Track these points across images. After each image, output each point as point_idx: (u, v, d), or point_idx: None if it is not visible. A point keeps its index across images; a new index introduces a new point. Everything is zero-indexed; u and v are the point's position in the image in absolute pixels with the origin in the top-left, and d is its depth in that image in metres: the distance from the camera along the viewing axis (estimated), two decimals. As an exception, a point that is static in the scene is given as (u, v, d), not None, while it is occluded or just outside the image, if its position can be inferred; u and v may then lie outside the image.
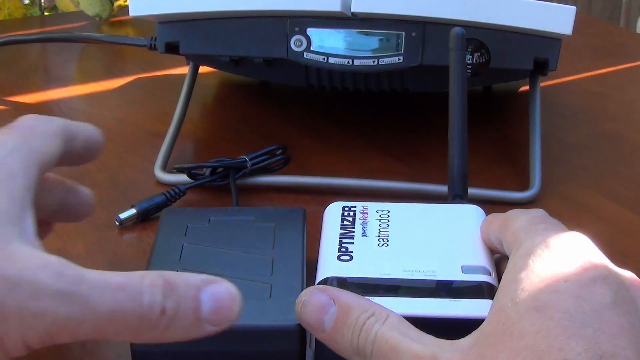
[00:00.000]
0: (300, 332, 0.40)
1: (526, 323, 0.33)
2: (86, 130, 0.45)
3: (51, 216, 0.45)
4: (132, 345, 0.41)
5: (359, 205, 0.48)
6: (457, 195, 0.51)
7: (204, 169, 0.61)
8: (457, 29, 0.52)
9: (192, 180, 0.60)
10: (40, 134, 0.41)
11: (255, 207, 0.58)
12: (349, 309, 0.37)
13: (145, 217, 0.58)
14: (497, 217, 0.43)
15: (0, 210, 0.35)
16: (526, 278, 0.35)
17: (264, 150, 0.62)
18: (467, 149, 0.52)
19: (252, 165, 0.61)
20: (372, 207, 0.48)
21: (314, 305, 0.38)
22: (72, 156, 0.44)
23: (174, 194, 0.59)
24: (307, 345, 0.41)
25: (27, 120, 0.42)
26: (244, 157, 0.61)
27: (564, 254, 0.36)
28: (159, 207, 0.58)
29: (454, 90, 0.52)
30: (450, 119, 0.52)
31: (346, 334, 0.37)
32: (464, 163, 0.52)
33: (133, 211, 0.57)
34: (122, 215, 0.57)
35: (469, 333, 0.36)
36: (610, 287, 0.34)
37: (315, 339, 0.40)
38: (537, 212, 0.41)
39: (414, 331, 0.37)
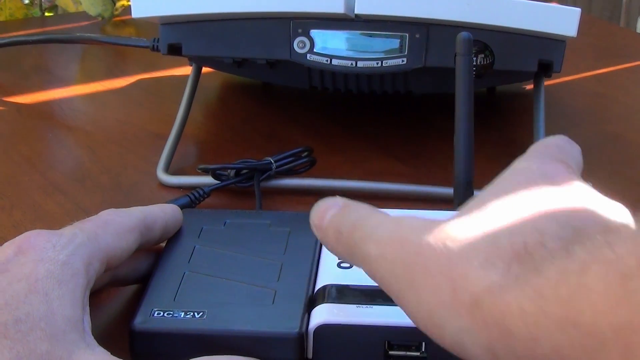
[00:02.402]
0: (299, 341, 0.40)
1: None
2: (165, 216, 0.47)
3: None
4: (131, 346, 0.40)
5: None
6: (462, 203, 0.51)
7: (229, 170, 0.60)
8: (463, 34, 0.52)
9: (216, 182, 0.60)
10: (114, 230, 0.42)
11: (274, 211, 0.58)
12: (347, 206, 0.38)
13: None
14: None
15: (63, 316, 0.36)
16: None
17: (289, 152, 0.61)
18: (473, 156, 0.51)
19: (277, 167, 0.60)
20: None
21: (322, 205, 0.38)
22: (149, 243, 0.46)
23: (198, 195, 0.58)
24: (305, 354, 0.40)
25: (105, 214, 0.43)
26: (269, 158, 0.60)
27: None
28: (183, 209, 0.57)
29: (461, 95, 0.52)
30: (456, 125, 0.52)
31: (335, 224, 0.37)
32: (469, 170, 0.51)
33: None
34: None
35: None
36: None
37: (312, 349, 0.39)
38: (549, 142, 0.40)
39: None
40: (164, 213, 0.47)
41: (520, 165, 0.37)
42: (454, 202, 0.52)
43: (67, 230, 0.41)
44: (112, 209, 0.44)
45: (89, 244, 0.40)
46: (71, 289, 0.37)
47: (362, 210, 0.37)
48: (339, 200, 0.38)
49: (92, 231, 0.41)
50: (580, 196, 0.34)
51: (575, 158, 0.39)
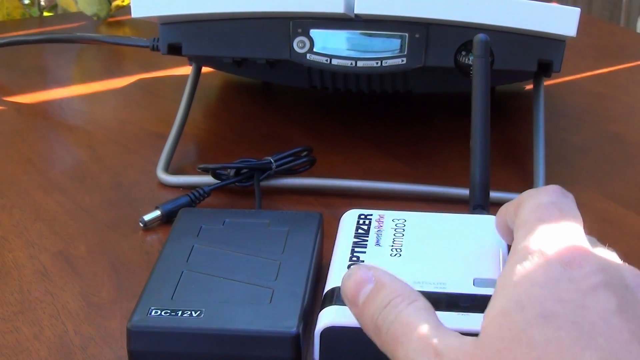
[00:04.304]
0: (296, 340, 0.40)
1: (535, 331, 0.32)
2: None
3: None
4: (128, 345, 0.40)
5: (375, 213, 0.47)
6: (479, 206, 0.50)
7: (229, 170, 0.60)
8: (480, 36, 0.51)
9: (216, 181, 0.60)
10: None
11: (273, 210, 0.58)
12: (382, 287, 0.37)
13: (169, 219, 0.57)
14: (512, 203, 0.41)
15: None
16: (528, 282, 0.34)
17: (289, 152, 0.61)
18: (489, 158, 0.51)
19: (277, 166, 0.60)
20: (389, 215, 0.47)
21: (356, 279, 0.37)
22: None
23: (198, 195, 0.58)
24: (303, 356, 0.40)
25: None
26: (269, 158, 0.60)
27: (558, 258, 0.34)
28: (183, 208, 0.57)
29: (477, 97, 0.51)
30: (472, 128, 0.51)
31: (371, 310, 0.36)
32: (486, 173, 0.50)
33: (157, 213, 0.57)
34: (147, 217, 0.57)
35: None
36: (614, 292, 0.33)
37: (319, 351, 0.39)
38: (546, 197, 0.38)
39: (436, 320, 0.35)
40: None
41: (525, 253, 0.35)
42: (470, 204, 0.51)
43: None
44: None
45: None
46: None
47: (397, 299, 0.36)
48: (371, 274, 0.37)
49: None
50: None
51: (573, 213, 0.37)
